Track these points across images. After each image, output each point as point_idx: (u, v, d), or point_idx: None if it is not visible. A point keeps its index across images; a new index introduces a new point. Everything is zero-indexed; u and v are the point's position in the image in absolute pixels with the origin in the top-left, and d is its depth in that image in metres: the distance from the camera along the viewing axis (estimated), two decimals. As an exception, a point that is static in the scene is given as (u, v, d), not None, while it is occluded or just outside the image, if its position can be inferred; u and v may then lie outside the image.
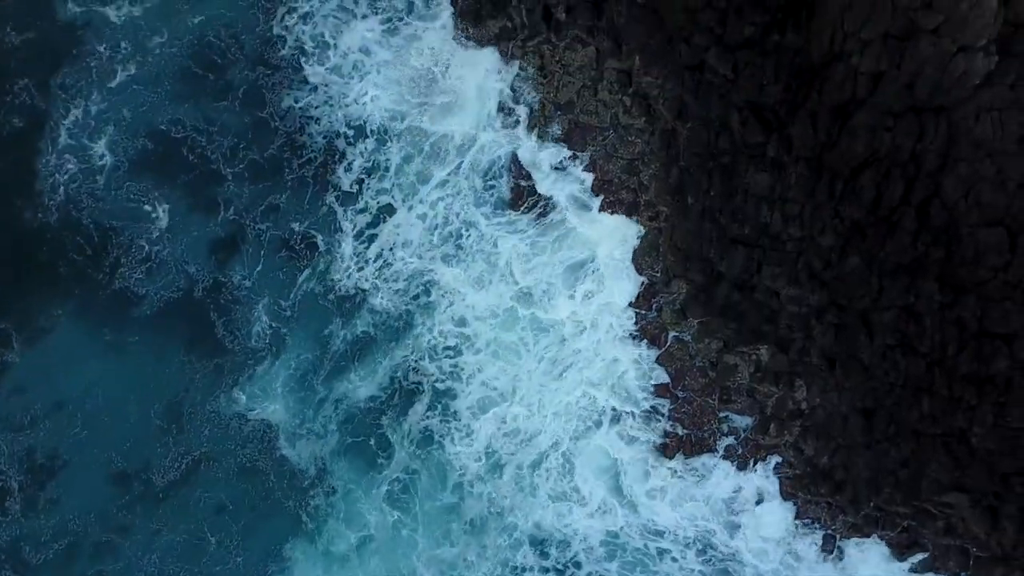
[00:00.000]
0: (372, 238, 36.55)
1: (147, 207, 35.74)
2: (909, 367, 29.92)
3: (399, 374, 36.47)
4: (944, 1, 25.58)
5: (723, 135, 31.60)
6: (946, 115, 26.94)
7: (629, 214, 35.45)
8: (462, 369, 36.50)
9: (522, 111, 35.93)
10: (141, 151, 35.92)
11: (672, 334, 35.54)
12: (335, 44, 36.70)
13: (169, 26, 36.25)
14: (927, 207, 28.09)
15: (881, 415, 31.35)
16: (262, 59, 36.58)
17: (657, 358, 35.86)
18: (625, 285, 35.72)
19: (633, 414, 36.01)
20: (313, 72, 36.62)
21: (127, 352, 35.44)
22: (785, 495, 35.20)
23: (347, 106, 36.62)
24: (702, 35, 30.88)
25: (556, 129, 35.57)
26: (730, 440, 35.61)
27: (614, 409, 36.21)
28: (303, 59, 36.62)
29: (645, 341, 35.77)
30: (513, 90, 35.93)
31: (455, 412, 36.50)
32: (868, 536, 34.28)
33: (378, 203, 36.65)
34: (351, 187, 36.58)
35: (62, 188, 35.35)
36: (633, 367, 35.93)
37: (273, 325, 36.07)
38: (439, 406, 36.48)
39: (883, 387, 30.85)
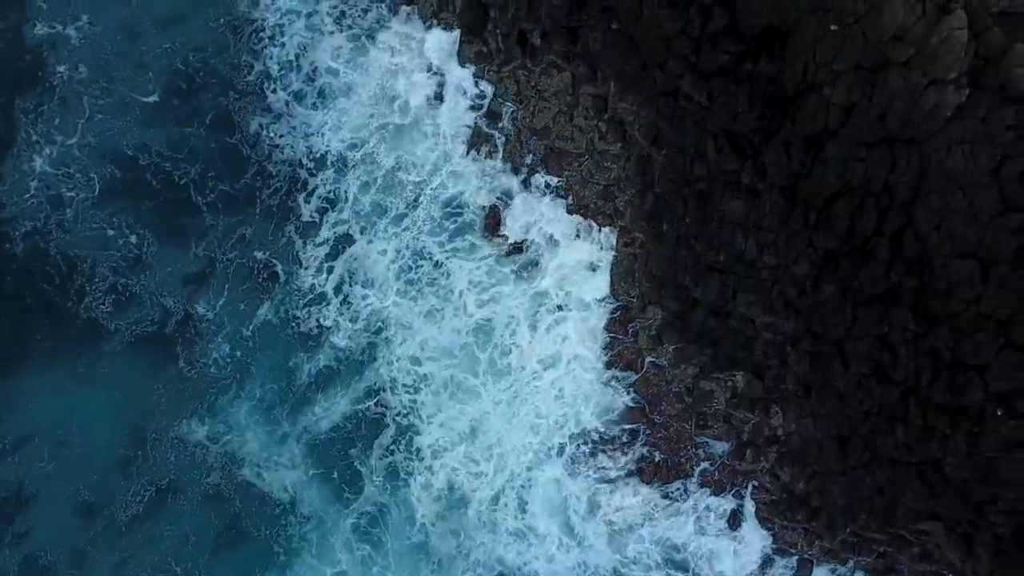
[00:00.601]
0: (331, 270, 36.32)
1: (115, 235, 35.28)
2: (884, 396, 29.83)
3: (361, 407, 36.19)
4: (914, 35, 25.54)
5: (698, 162, 31.51)
6: (918, 147, 26.88)
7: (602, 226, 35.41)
8: (422, 406, 36.26)
9: (497, 137, 35.73)
10: (109, 179, 35.50)
11: (648, 359, 35.40)
12: (301, 68, 36.43)
13: (136, 50, 35.84)
14: (900, 238, 28.02)
15: (856, 443, 31.28)
16: (230, 84, 36.29)
17: (633, 383, 35.71)
18: (591, 315, 35.58)
19: (587, 449, 35.89)
20: (277, 99, 36.38)
21: (95, 383, 34.92)
22: (762, 521, 35.11)
23: (309, 135, 36.36)
24: (677, 62, 30.75)
25: (530, 156, 35.39)
26: (706, 465, 35.51)
27: (562, 445, 36.08)
28: (269, 84, 36.41)
29: (611, 371, 35.61)
30: (488, 116, 35.75)
31: (417, 449, 36.24)
32: (845, 562, 34.24)
33: (335, 233, 36.41)
34: (311, 216, 36.36)
35: (28, 218, 34.77)
36: (593, 403, 35.79)
37: (237, 356, 35.71)
38: (402, 441, 36.25)
39: (858, 415, 30.76)
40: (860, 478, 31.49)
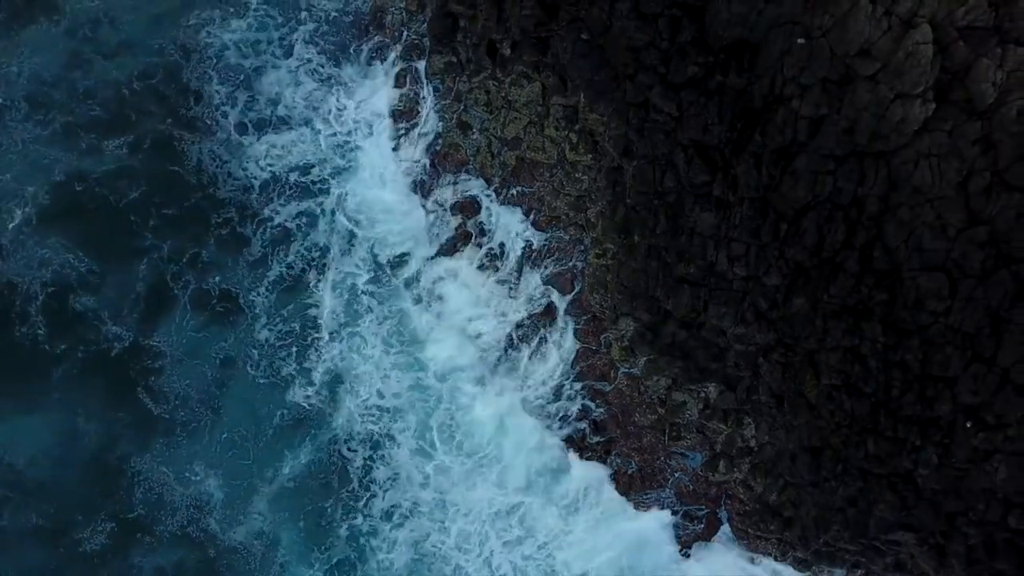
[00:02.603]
0: (283, 318, 35.63)
1: (60, 263, 34.61)
2: (855, 407, 29.82)
3: (323, 456, 35.38)
4: (880, 49, 25.50)
5: (669, 173, 31.30)
6: (886, 160, 26.86)
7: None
8: (382, 464, 35.66)
9: (465, 148, 35.51)
10: (51, 207, 34.89)
11: (622, 370, 35.24)
12: (249, 96, 36.06)
13: (79, 79, 35.45)
14: (870, 251, 28.00)
15: (828, 454, 31.26)
16: (176, 112, 35.85)
17: (607, 394, 35.58)
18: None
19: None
20: (224, 127, 35.96)
21: (47, 413, 34.02)
22: (736, 532, 35.06)
23: (256, 165, 35.79)
24: (646, 74, 30.53)
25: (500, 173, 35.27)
26: (680, 475, 35.42)
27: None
28: (217, 112, 35.95)
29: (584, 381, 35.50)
30: (458, 127, 35.51)
31: (382, 512, 35.51)
32: (818, 572, 34.22)
33: (286, 274, 35.85)
34: (261, 252, 35.90)
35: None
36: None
37: (200, 392, 34.95)
38: (363, 499, 35.39)
39: (830, 426, 30.74)
40: (832, 489, 31.47)
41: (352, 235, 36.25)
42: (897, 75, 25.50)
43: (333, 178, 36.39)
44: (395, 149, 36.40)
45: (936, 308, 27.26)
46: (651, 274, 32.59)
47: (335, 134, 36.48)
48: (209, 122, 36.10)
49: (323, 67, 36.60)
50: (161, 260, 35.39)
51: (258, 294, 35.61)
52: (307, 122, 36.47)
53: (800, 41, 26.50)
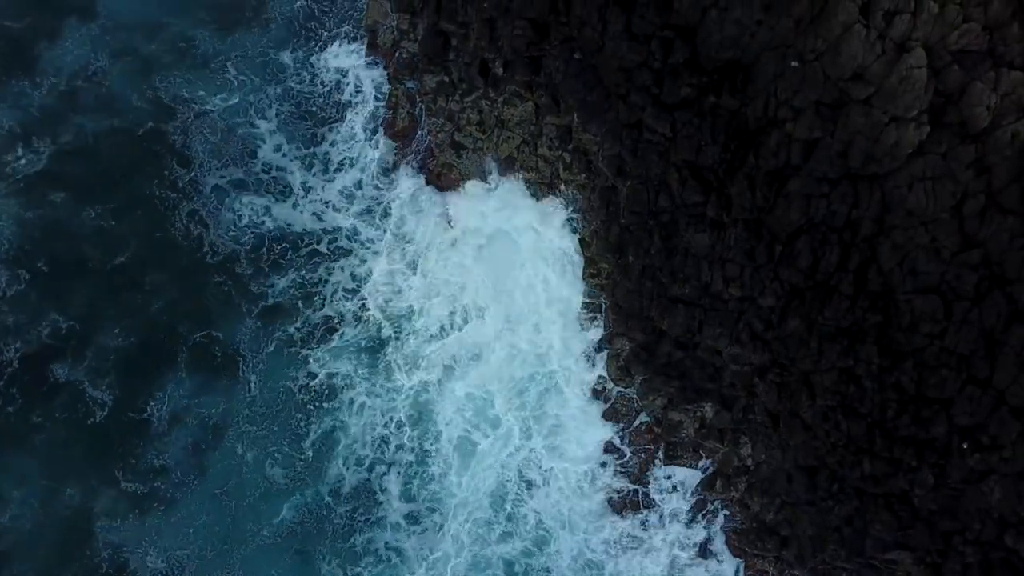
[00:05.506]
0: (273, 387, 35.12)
1: (46, 324, 34.33)
2: (850, 428, 29.77)
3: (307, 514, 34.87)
4: (874, 73, 25.46)
5: (663, 194, 31.19)
6: (880, 183, 26.82)
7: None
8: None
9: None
10: (42, 266, 34.66)
11: (617, 390, 35.15)
12: (234, 158, 35.95)
13: (49, 134, 35.43)
14: (864, 273, 27.96)
15: (824, 474, 31.22)
16: (156, 173, 35.70)
17: (603, 413, 35.46)
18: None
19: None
20: (202, 191, 35.66)
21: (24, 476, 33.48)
22: (733, 550, 34.98)
23: (235, 228, 35.57)
24: (639, 94, 30.41)
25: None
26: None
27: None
28: (197, 176, 35.80)
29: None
30: (452, 147, 35.32)
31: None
32: (816, 590, 34.18)
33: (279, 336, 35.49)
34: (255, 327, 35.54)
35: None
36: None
37: (183, 461, 34.49)
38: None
39: (825, 446, 30.68)
40: (829, 508, 31.43)
41: (347, 296, 36.31)
42: (891, 99, 25.47)
43: (326, 240, 36.48)
44: (389, 176, 36.31)
45: (931, 330, 27.25)
46: (646, 294, 32.49)
47: (326, 188, 36.64)
48: (191, 186, 35.87)
49: (307, 120, 36.69)
50: (151, 321, 35.11)
51: (248, 360, 35.25)
52: (293, 182, 36.45)
53: (793, 64, 26.43)
